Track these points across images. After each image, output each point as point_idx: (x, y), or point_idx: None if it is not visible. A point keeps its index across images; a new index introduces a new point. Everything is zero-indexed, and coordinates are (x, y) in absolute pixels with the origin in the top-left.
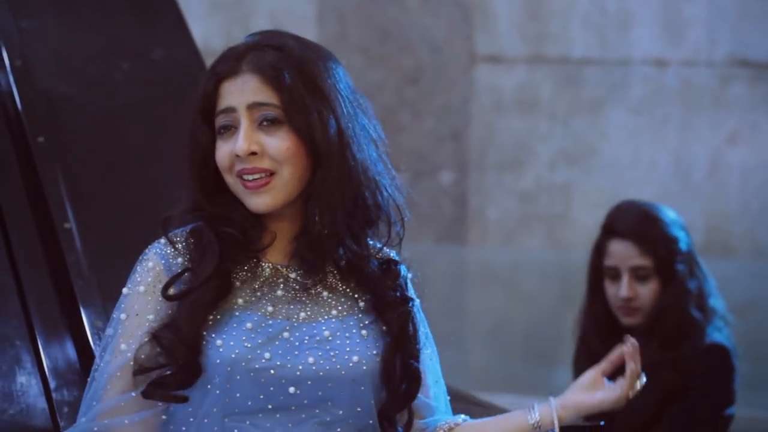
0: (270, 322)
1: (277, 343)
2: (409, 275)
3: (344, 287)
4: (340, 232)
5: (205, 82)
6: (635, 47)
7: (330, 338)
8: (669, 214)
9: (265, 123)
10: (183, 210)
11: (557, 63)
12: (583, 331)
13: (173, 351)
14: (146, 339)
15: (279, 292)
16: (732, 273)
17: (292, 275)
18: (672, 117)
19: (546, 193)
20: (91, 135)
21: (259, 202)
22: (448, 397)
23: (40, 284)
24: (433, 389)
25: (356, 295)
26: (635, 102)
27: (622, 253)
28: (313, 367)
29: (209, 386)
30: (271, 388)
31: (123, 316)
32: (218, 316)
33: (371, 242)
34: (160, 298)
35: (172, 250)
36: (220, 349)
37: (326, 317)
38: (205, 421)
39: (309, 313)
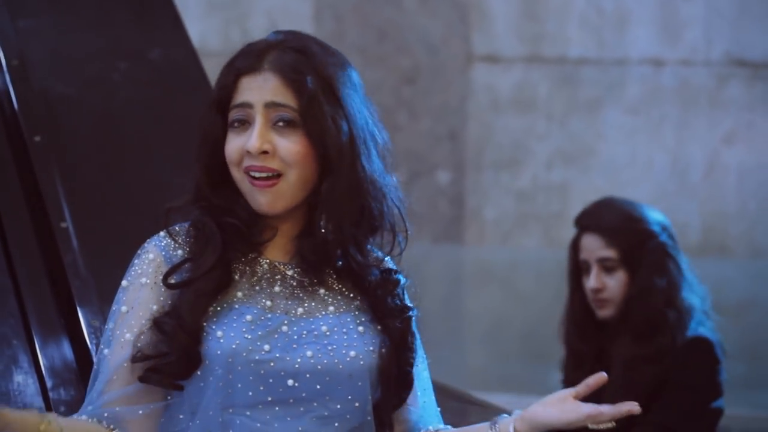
0: (269, 315)
1: (276, 336)
2: (407, 284)
3: (340, 286)
4: (345, 240)
5: (224, 74)
6: (632, 47)
7: (328, 333)
8: (645, 210)
9: (279, 124)
10: (186, 201)
11: (554, 63)
12: (565, 328)
13: (174, 337)
14: (147, 326)
15: (276, 288)
16: (729, 273)
17: (290, 272)
18: (669, 117)
19: (543, 192)
20: (88, 135)
21: (263, 201)
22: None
23: (37, 284)
24: (422, 398)
25: (352, 294)
26: (632, 102)
27: (591, 245)
28: (312, 361)
29: (211, 378)
30: (271, 380)
31: (124, 308)
32: (218, 308)
33: (374, 251)
34: (163, 289)
35: (172, 242)
36: (221, 340)
37: (323, 313)
38: (210, 413)
39: (306, 308)
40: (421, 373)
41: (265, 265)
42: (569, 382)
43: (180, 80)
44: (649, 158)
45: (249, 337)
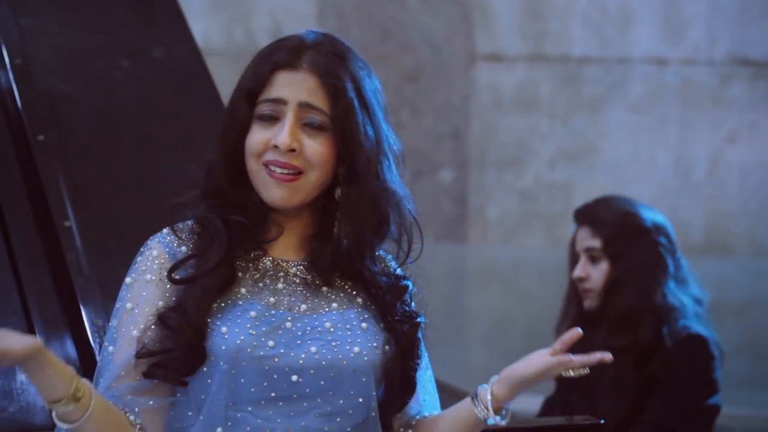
0: (273, 312)
1: (280, 332)
2: (414, 291)
3: (343, 283)
4: (363, 249)
5: (258, 65)
6: (635, 46)
7: (331, 330)
8: (640, 209)
9: (308, 125)
10: (194, 196)
11: (557, 62)
12: (559, 320)
13: (180, 332)
14: (152, 322)
15: (280, 285)
16: (731, 272)
17: (293, 270)
18: (672, 116)
19: (546, 191)
20: (91, 133)
21: (278, 194)
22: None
23: (40, 282)
24: (422, 396)
25: (354, 292)
26: (635, 101)
27: (581, 237)
28: (316, 356)
29: (216, 373)
30: (275, 376)
31: (129, 305)
32: (222, 304)
33: (385, 256)
34: (168, 285)
35: (176, 238)
36: (225, 336)
37: (326, 309)
38: (214, 409)
39: (310, 305)
40: (424, 372)
41: (268, 263)
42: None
43: (183, 78)
44: (652, 157)
45: (253, 333)
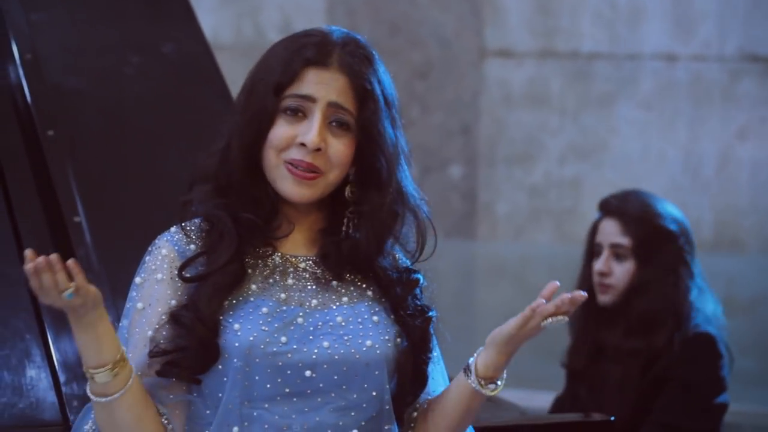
0: (284, 308)
1: (292, 328)
2: (424, 284)
3: (353, 277)
4: (382, 252)
5: (288, 60)
6: (645, 42)
7: (343, 324)
8: (667, 207)
9: (334, 124)
10: (206, 191)
11: (567, 58)
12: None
13: (193, 330)
14: (165, 320)
15: (290, 281)
16: (741, 268)
17: (302, 265)
18: (682, 112)
19: (555, 187)
20: (101, 129)
21: (297, 191)
22: None
23: None
24: (431, 387)
25: (364, 285)
26: (645, 97)
27: (607, 230)
28: (328, 351)
29: (230, 371)
30: (289, 372)
31: (140, 305)
32: (233, 301)
33: (395, 250)
34: (179, 283)
35: (184, 236)
36: (238, 333)
37: (337, 304)
38: (229, 406)
39: (320, 300)
40: (436, 365)
41: (278, 258)
42: (570, 366)
43: (193, 74)
44: (662, 153)
45: (266, 329)
